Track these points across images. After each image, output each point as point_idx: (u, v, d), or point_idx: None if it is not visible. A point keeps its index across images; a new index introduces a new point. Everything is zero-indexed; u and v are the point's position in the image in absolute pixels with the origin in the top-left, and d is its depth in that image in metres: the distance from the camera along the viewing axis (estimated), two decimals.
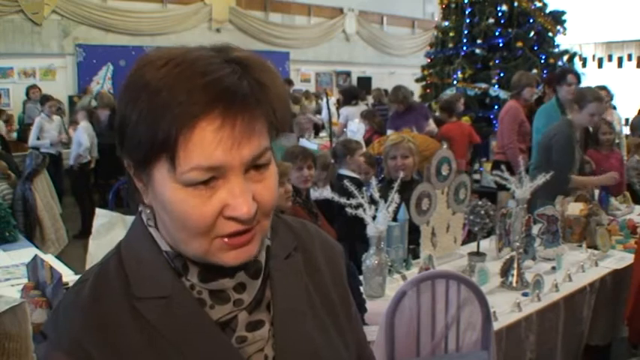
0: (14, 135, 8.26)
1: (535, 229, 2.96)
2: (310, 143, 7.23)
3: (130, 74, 0.66)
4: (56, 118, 6.86)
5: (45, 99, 6.92)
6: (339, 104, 8.36)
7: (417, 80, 8.65)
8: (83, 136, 6.33)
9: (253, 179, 0.66)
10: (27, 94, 8.57)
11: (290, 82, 9.86)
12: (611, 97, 5.82)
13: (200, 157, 0.62)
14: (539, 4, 7.64)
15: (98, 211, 2.51)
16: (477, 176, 6.14)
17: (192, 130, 0.61)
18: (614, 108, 5.93)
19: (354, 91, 7.76)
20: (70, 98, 9.77)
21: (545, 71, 6.97)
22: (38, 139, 6.58)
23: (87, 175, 6.56)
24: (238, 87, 0.62)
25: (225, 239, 0.66)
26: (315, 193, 3.50)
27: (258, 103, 0.64)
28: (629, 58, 13.08)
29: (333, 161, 4.01)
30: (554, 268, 2.78)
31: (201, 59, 0.64)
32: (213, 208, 0.64)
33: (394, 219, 2.59)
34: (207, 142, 0.61)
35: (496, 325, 2.06)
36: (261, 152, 0.65)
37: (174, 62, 0.63)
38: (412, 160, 3.19)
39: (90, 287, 0.70)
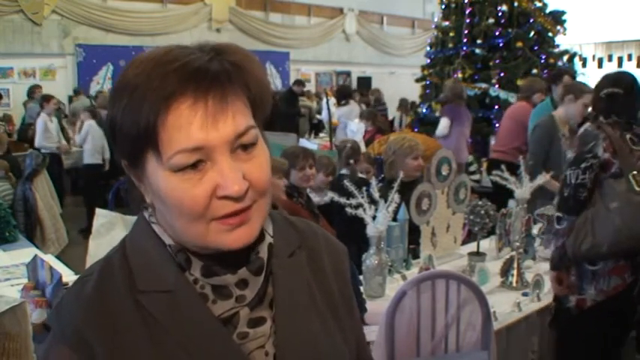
0: (14, 135, 8.23)
1: (535, 229, 2.96)
2: (310, 143, 7.25)
3: (117, 79, 0.68)
4: (54, 119, 6.80)
5: (45, 98, 6.88)
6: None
7: (417, 80, 8.63)
8: (89, 135, 6.37)
9: (241, 159, 0.67)
10: (29, 94, 8.54)
11: (301, 83, 9.82)
12: None
13: (181, 138, 0.64)
14: (539, 4, 7.61)
15: (98, 211, 2.50)
16: (477, 176, 6.13)
17: (167, 111, 0.63)
18: None
19: (344, 91, 7.74)
20: (70, 98, 9.76)
21: (545, 71, 6.96)
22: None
23: (99, 176, 6.55)
24: (208, 66, 0.65)
25: (222, 220, 0.66)
26: (317, 198, 3.46)
27: (229, 79, 0.66)
28: (629, 58, 13.09)
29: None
30: None
31: (176, 49, 0.67)
32: (204, 190, 0.65)
33: (394, 219, 2.59)
34: (184, 121, 0.63)
35: (496, 325, 2.06)
36: (243, 130, 0.66)
37: (150, 58, 0.66)
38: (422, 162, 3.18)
39: (94, 281, 0.71)
